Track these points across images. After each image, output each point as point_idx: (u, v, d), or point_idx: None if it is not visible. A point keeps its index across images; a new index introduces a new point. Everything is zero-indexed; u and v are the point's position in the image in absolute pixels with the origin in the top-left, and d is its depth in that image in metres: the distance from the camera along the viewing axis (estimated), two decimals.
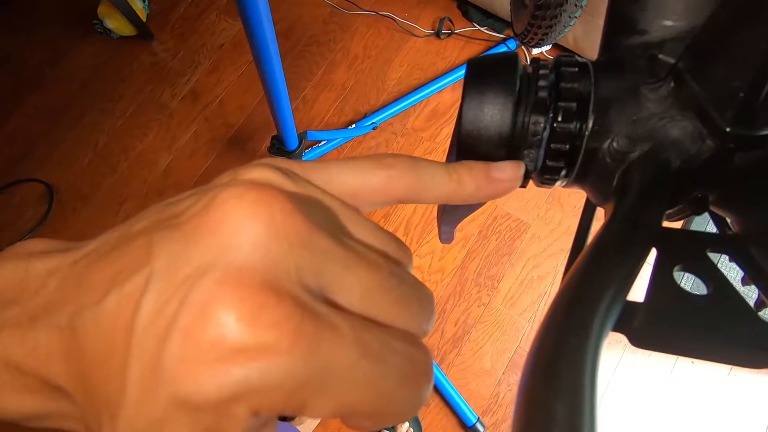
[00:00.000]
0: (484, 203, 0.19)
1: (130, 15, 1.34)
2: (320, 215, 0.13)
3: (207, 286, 0.11)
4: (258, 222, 0.11)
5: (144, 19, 1.43)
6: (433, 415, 1.15)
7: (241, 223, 0.11)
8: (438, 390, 1.13)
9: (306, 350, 0.10)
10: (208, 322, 0.10)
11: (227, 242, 0.11)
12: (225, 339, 0.10)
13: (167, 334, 0.10)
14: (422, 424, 1.14)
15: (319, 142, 1.26)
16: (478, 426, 1.11)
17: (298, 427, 1.05)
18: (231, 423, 0.11)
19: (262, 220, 0.11)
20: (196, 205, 0.12)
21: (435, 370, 1.04)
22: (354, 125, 1.31)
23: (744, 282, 0.16)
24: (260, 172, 0.13)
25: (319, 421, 1.13)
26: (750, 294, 0.15)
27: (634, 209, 0.16)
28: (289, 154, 1.08)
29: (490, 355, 1.19)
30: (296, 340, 0.10)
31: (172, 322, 0.11)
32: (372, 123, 1.31)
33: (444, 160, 0.19)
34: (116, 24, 1.41)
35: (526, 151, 0.18)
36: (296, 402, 0.11)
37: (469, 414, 1.12)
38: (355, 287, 0.12)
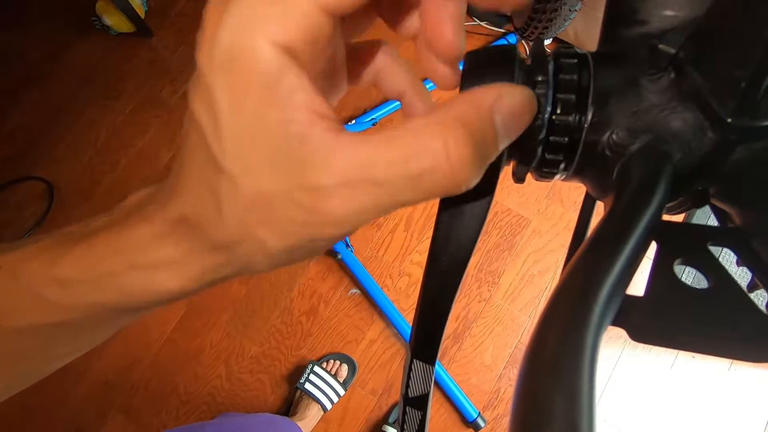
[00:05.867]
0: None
1: (128, 11, 1.34)
2: None
3: None
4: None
5: (142, 16, 1.43)
6: (434, 410, 1.15)
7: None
8: (439, 385, 1.14)
9: None
10: None
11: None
12: None
13: None
14: None
15: None
16: (479, 421, 1.11)
17: (299, 424, 1.06)
18: None
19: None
20: None
21: (436, 365, 1.04)
22: (354, 121, 1.31)
23: (738, 263, 0.16)
24: None
25: (320, 417, 1.13)
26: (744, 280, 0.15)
27: (634, 202, 0.15)
28: None
29: (490, 350, 1.19)
30: None
31: None
32: (372, 119, 1.31)
33: None
34: (114, 21, 1.40)
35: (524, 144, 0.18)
36: None
37: (470, 409, 1.12)
38: None
